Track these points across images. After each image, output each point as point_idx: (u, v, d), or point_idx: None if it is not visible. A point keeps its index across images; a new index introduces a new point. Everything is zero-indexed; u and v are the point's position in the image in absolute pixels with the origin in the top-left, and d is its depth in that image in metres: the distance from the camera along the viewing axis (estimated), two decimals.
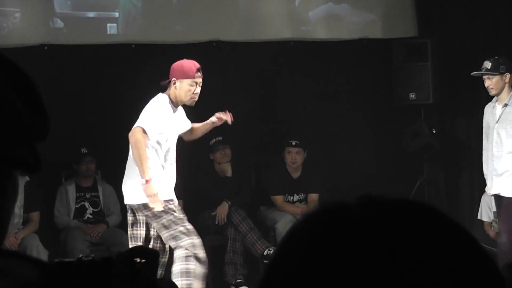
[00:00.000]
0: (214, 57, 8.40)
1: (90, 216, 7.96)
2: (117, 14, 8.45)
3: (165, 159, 6.32)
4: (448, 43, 8.89)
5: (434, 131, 8.83)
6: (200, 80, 6.30)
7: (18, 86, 1.15)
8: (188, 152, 8.08)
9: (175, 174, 6.44)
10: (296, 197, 8.42)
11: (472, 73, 7.32)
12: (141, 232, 6.41)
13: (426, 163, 8.95)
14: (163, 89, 6.36)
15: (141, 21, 8.50)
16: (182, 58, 6.47)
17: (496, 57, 7.28)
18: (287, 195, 8.38)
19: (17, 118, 1.13)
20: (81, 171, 7.95)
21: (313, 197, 8.41)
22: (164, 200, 6.24)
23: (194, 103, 6.35)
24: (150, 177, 6.09)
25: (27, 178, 7.26)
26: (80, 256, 1.38)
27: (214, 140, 8.15)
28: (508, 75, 7.06)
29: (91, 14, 8.40)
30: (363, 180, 8.74)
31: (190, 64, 6.31)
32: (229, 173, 8.20)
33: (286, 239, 0.93)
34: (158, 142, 6.25)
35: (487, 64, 7.16)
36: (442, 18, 9.10)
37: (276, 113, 8.74)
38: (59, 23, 8.25)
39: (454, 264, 0.87)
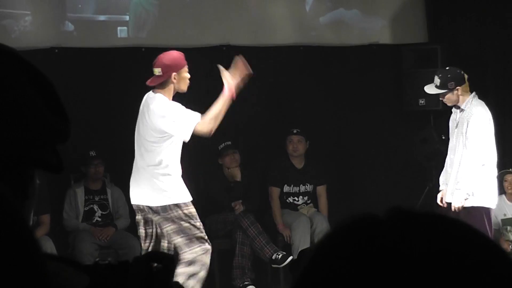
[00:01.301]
0: (224, 61, 8.38)
1: (99, 219, 7.95)
2: (127, 18, 8.47)
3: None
4: (458, 49, 8.87)
5: (443, 137, 8.79)
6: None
7: (40, 89, 1.15)
8: (197, 156, 8.08)
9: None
10: (302, 188, 8.43)
11: (425, 88, 7.21)
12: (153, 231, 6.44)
13: (434, 170, 8.91)
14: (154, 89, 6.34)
15: (151, 25, 8.51)
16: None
17: (447, 69, 7.13)
18: (292, 185, 8.39)
19: (40, 120, 1.13)
20: (89, 174, 7.95)
21: (321, 190, 8.44)
22: (186, 203, 6.33)
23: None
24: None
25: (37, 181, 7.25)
26: (97, 259, 1.37)
27: (223, 144, 8.15)
28: (459, 89, 6.98)
29: (101, 18, 8.41)
30: (371, 186, 8.73)
31: (178, 54, 6.36)
32: (238, 177, 8.19)
33: (317, 253, 0.92)
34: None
35: (437, 81, 7.01)
36: (452, 24, 9.08)
37: (285, 118, 8.72)
38: (70, 26, 8.27)
39: (491, 278, 0.86)
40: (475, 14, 8.93)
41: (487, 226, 6.82)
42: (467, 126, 6.86)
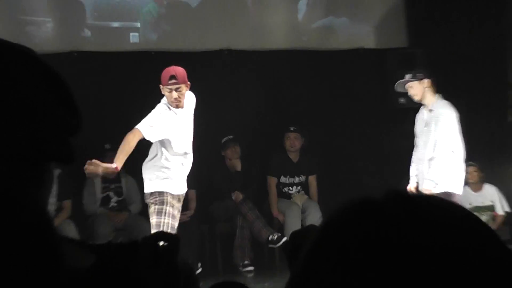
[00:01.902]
0: (225, 64, 8.42)
1: (115, 204, 8.01)
2: (138, 24, 8.48)
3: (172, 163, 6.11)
4: (438, 52, 8.86)
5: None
6: (175, 86, 5.71)
7: (51, 85, 1.15)
8: (202, 148, 8.09)
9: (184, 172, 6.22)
10: (297, 179, 8.49)
11: (395, 84, 7.20)
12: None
13: None
14: None
15: (160, 31, 8.51)
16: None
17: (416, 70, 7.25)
18: (288, 177, 8.42)
19: (52, 115, 1.13)
20: None
21: (312, 179, 8.51)
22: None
23: (178, 107, 5.84)
24: (118, 166, 5.72)
25: (59, 170, 7.29)
26: (109, 240, 1.38)
27: (226, 138, 8.20)
28: (426, 81, 7.00)
29: (115, 24, 8.43)
30: (358, 176, 8.74)
31: (165, 72, 5.78)
32: (238, 168, 8.23)
33: (320, 237, 0.85)
34: (165, 147, 6.05)
35: (407, 76, 7.06)
36: (432, 29, 9.06)
37: (281, 115, 8.73)
38: (87, 32, 8.27)
39: (487, 260, 0.81)
40: (455, 19, 8.90)
41: None
42: (436, 125, 6.85)
